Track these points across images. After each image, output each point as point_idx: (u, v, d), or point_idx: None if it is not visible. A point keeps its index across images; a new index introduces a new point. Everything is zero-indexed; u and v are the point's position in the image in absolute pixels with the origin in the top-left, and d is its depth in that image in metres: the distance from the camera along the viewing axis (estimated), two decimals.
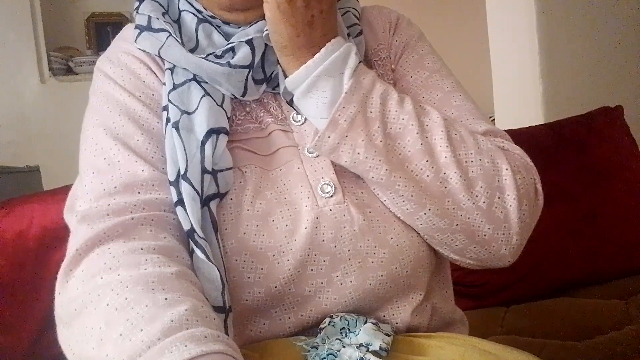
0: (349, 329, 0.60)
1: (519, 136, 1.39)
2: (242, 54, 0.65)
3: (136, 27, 0.68)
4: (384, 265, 0.63)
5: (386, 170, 0.62)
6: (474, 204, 0.62)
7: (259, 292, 0.61)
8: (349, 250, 0.62)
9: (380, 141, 0.62)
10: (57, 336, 0.56)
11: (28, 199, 1.09)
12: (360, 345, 0.57)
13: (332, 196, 0.63)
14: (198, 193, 0.59)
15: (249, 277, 0.60)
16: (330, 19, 0.64)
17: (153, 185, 0.60)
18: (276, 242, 0.61)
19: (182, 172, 0.59)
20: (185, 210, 0.58)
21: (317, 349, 0.57)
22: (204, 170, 0.60)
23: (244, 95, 0.67)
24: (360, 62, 0.65)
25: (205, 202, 0.59)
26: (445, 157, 0.62)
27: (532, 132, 1.42)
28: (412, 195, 0.63)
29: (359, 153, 0.61)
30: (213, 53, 0.66)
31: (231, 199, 0.62)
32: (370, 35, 0.75)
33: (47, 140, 2.91)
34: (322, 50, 0.63)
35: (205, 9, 0.69)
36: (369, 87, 0.63)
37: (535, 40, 1.91)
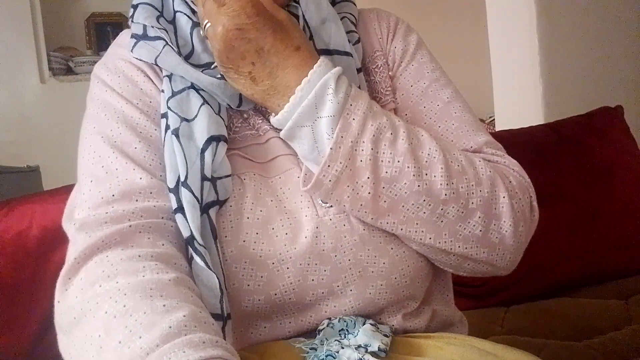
0: (347, 330, 0.60)
1: (519, 136, 1.40)
2: None
3: (132, 36, 0.68)
4: (384, 275, 0.63)
5: (372, 219, 0.62)
6: (469, 232, 0.63)
7: (259, 300, 0.61)
8: (349, 260, 0.62)
9: (369, 192, 0.60)
10: (57, 341, 0.56)
11: (28, 199, 1.09)
12: (359, 346, 0.57)
13: (332, 206, 0.63)
14: (198, 200, 0.59)
15: (248, 285, 0.60)
16: (276, 56, 0.60)
17: (151, 192, 0.60)
18: (276, 251, 0.61)
19: (182, 179, 0.59)
20: (185, 217, 0.58)
21: (315, 350, 0.57)
22: (203, 178, 0.60)
23: (239, 106, 0.66)
24: (350, 86, 0.62)
25: (204, 209, 0.59)
26: (445, 194, 0.61)
27: (532, 132, 1.42)
28: (404, 232, 0.63)
29: (344, 206, 0.61)
30: (209, 66, 0.66)
31: (231, 206, 0.61)
32: (367, 41, 0.74)
33: (47, 140, 2.92)
34: (291, 99, 0.60)
35: None
36: (359, 130, 0.60)
37: (535, 40, 1.90)
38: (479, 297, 1.31)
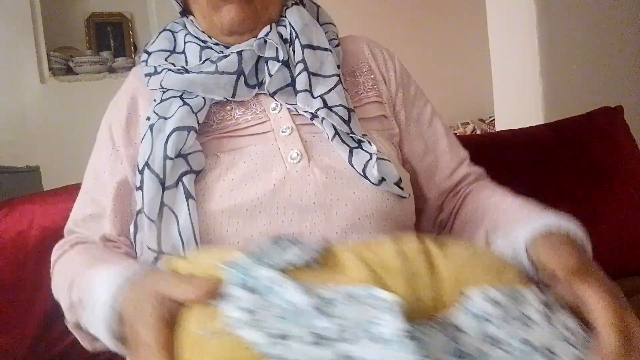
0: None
1: (519, 136, 1.40)
2: (229, 60, 0.78)
3: (146, 74, 0.82)
4: (347, 216, 0.71)
5: None
6: None
7: (238, 242, 0.70)
8: (314, 203, 0.71)
9: None
10: (58, 335, 0.59)
11: (28, 199, 1.09)
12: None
13: (298, 162, 0.74)
14: (158, 177, 0.71)
15: (227, 231, 0.70)
16: None
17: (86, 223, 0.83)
18: (248, 199, 0.71)
19: (146, 161, 0.72)
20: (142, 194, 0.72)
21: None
22: (165, 157, 0.72)
23: (233, 96, 0.78)
24: None
25: (179, 178, 0.71)
26: None
27: (532, 132, 1.42)
28: None
29: None
30: (208, 59, 0.79)
31: (207, 174, 0.73)
32: (355, 54, 0.89)
33: (47, 140, 2.91)
34: None
35: (210, 38, 0.83)
36: None
37: (535, 40, 1.91)
38: None
